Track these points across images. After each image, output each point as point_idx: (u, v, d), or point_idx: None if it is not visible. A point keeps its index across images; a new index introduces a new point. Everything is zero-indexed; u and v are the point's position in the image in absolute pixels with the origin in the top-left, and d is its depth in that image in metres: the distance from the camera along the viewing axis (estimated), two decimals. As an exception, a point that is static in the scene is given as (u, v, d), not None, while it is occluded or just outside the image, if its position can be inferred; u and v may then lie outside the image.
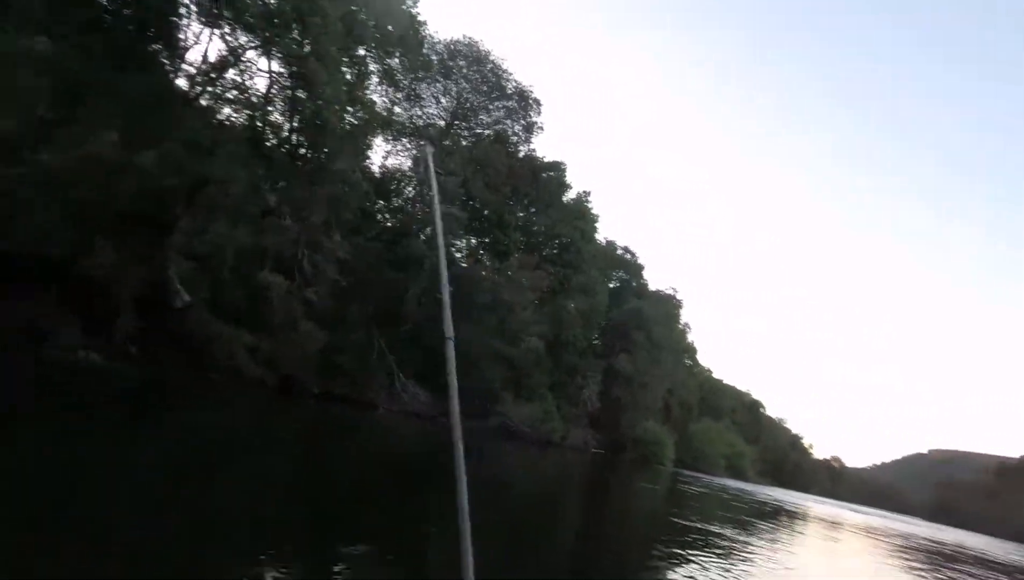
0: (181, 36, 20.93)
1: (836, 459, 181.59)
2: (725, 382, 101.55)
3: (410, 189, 34.17)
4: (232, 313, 18.93)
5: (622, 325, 51.38)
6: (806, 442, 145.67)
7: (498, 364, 33.35)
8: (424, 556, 6.64)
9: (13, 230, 13.72)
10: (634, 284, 56.82)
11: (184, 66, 21.06)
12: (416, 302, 30.46)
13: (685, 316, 65.18)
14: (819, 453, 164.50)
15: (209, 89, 21.63)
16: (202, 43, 21.11)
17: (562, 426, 39.93)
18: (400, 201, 34.67)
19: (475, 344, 31.72)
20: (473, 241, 38.90)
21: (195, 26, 20.89)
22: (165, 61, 20.59)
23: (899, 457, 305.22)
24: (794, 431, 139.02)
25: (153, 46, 20.16)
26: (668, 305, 58.15)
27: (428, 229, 32.52)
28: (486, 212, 35.81)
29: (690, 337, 72.18)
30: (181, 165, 15.25)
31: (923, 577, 15.65)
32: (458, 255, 37.32)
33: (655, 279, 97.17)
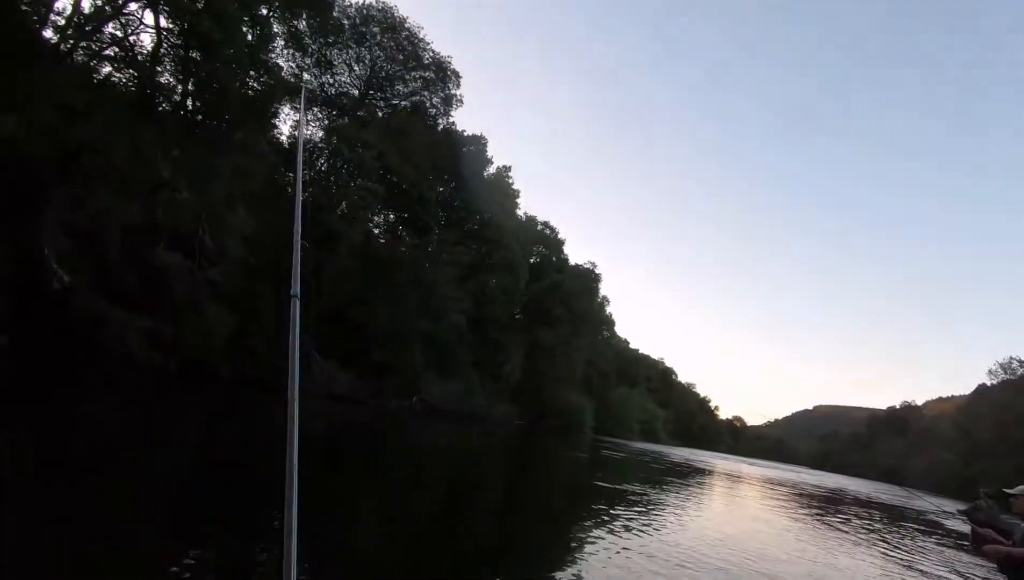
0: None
1: (738, 419, 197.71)
2: (641, 351, 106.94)
3: (323, 161, 32.48)
4: (124, 295, 17.22)
5: (543, 299, 52.35)
6: (712, 404, 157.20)
7: (421, 342, 32.97)
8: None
9: None
10: (554, 259, 57.79)
11: (52, 17, 18.52)
12: (333, 281, 29.29)
13: (603, 289, 67.40)
14: (724, 414, 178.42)
15: (83, 44, 19.18)
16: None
17: (485, 401, 40.36)
18: (312, 174, 32.91)
19: (397, 322, 31.12)
20: (392, 217, 37.79)
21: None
22: (26, 8, 17.98)
23: (790, 414, 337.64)
24: (702, 395, 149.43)
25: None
26: (587, 279, 59.80)
27: (344, 204, 31.19)
28: (405, 186, 34.82)
29: (608, 310, 74.91)
30: (52, 130, 13.45)
31: (810, 513, 17.55)
32: (376, 231, 36.17)
33: (575, 254, 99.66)
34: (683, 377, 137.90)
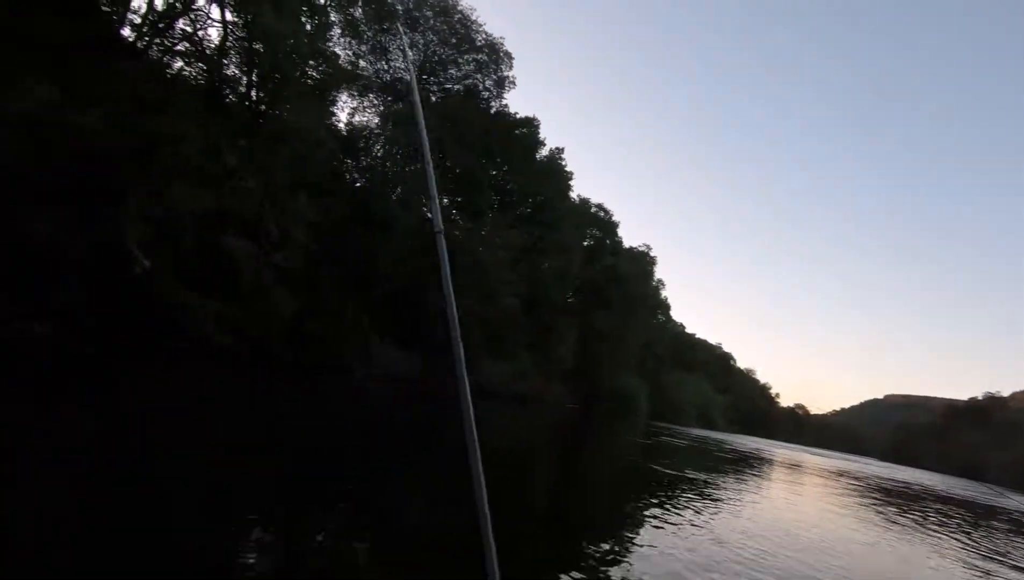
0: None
1: (800, 406, 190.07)
2: (698, 336, 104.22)
3: (379, 147, 33.02)
4: (197, 280, 18.22)
5: (597, 282, 51.73)
6: (773, 391, 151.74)
7: (475, 325, 33.31)
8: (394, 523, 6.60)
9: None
10: (608, 241, 56.86)
11: (129, 15, 19.53)
12: (390, 264, 29.93)
13: (659, 272, 65.89)
14: (785, 401, 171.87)
15: (157, 41, 20.15)
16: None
17: (539, 383, 40.52)
18: (369, 160, 33.54)
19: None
20: (446, 201, 38.07)
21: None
22: (106, 8, 19.02)
23: (857, 403, 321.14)
24: (763, 381, 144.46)
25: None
26: (642, 262, 58.56)
27: (399, 188, 31.66)
28: (458, 171, 34.95)
29: (664, 293, 73.22)
30: (130, 124, 14.24)
31: (879, 511, 16.59)
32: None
33: (629, 236, 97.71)
34: (742, 363, 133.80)
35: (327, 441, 10.97)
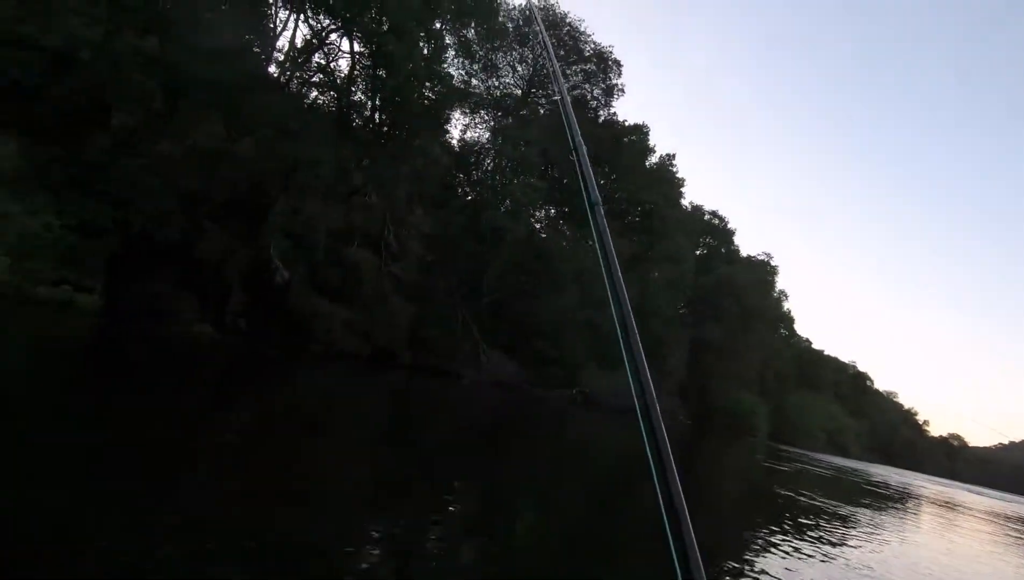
0: (271, 24, 21.94)
1: (956, 437, 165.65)
2: (827, 353, 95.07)
3: (489, 161, 34.18)
4: (328, 289, 20.04)
5: (711, 293, 49.23)
6: (920, 418, 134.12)
7: (580, 334, 33.15)
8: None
9: (135, 215, 15.15)
10: (723, 250, 54.01)
11: (275, 54, 22.13)
12: (498, 274, 30.74)
13: (782, 283, 61.23)
14: (936, 430, 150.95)
15: (297, 74, 22.57)
16: (288, 29, 21.99)
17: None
18: (480, 174, 34.80)
19: (558, 314, 31.70)
20: (553, 211, 38.44)
21: (283, 13, 21.78)
22: (257, 50, 21.68)
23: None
24: (906, 406, 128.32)
25: (247, 36, 21.25)
26: (761, 271, 54.79)
27: (508, 200, 32.52)
28: (565, 181, 35.14)
29: (786, 305, 67.84)
30: (274, 149, 16.06)
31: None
32: (538, 226, 37.07)
33: (747, 244, 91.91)
34: (881, 384, 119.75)
35: (460, 436, 11.51)
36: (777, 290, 61.14)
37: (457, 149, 32.68)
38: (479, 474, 9.08)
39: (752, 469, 23.51)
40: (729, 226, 54.70)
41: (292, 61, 22.06)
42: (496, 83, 37.26)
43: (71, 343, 11.77)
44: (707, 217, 53.47)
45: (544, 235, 36.67)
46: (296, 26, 22.62)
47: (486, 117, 36.51)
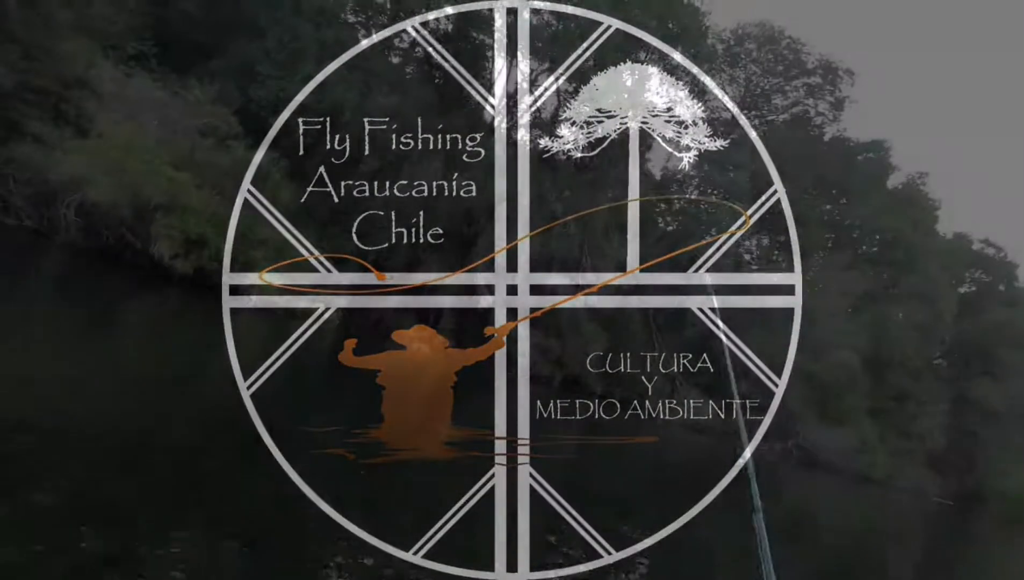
0: (488, 74, 24.40)
1: None
2: None
3: (693, 190, 32.69)
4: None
5: (979, 340, 39.40)
6: None
7: (795, 378, 29.13)
8: None
9: (371, 247, 17.79)
10: (1001, 288, 43.11)
11: (491, 100, 24.51)
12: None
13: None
14: None
15: (509, 117, 24.59)
16: (502, 74, 24.15)
17: (887, 461, 32.58)
18: (681, 203, 33.45)
19: (766, 353, 28.44)
20: (765, 240, 34.99)
21: (499, 61, 24.05)
22: (477, 97, 24.26)
23: None
24: None
25: (468, 88, 23.96)
26: (1062, 317, 42.19)
27: (713, 229, 30.54)
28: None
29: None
30: (483, 185, 17.61)
31: None
32: (747, 257, 34.04)
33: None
34: None
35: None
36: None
37: (658, 177, 31.95)
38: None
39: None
40: (1008, 258, 43.50)
41: (504, 106, 24.15)
42: (703, 106, 35.77)
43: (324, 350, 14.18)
44: (976, 246, 43.34)
45: (754, 267, 33.49)
46: (510, 72, 24.76)
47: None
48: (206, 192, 14.26)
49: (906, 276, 34.68)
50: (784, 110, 35.72)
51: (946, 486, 37.31)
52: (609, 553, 4.75)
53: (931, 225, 37.93)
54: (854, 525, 16.70)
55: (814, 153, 32.78)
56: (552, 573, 4.60)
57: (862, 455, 30.72)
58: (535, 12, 22.65)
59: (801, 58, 34.01)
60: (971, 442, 38.47)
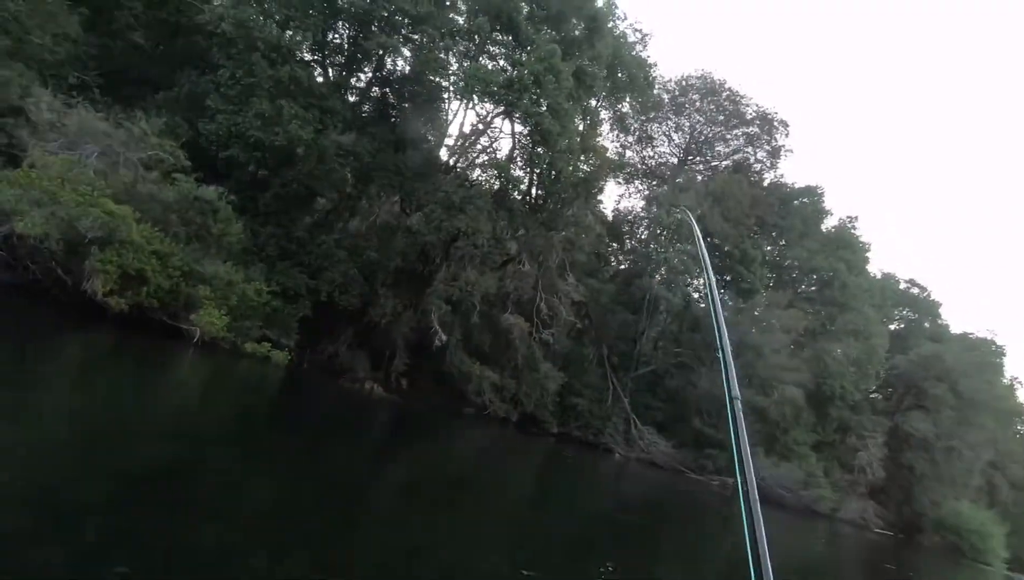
0: (443, 115, 24.75)
1: None
2: (1088, 460, 73.54)
3: (643, 230, 33.75)
4: (481, 353, 20.79)
5: (912, 375, 41.52)
6: None
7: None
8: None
9: (324, 283, 17.37)
10: (926, 325, 45.86)
11: (446, 141, 24.82)
12: (652, 346, 29.40)
13: (1015, 367, 49.75)
14: None
15: (465, 157, 24.91)
16: (459, 117, 24.58)
17: (832, 494, 33.47)
18: (634, 242, 34.44)
19: (717, 390, 29.03)
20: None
21: (454, 104, 24.47)
22: (432, 139, 24.47)
23: None
24: None
25: (423, 131, 24.18)
26: (982, 351, 45.12)
27: (663, 269, 31.47)
28: (726, 248, 33.19)
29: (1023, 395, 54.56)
30: (439, 223, 17.58)
31: None
32: (695, 295, 35.14)
33: (960, 320, 77.01)
34: None
35: (615, 522, 10.85)
36: (1009, 376, 49.65)
37: (610, 219, 32.88)
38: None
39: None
40: (932, 297, 46.58)
41: (460, 146, 24.47)
42: (651, 153, 37.34)
43: (268, 391, 13.56)
44: (903, 286, 46.22)
45: (703, 305, 34.56)
46: (465, 114, 25.23)
47: (640, 187, 36.50)
48: (148, 227, 13.69)
49: (841, 313, 36.35)
50: (727, 156, 37.74)
51: (885, 516, 38.58)
52: None
53: (862, 266, 40.16)
54: (803, 557, 17.00)
55: (755, 197, 34.54)
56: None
57: (808, 489, 31.45)
58: (491, 57, 23.14)
59: (740, 109, 36.23)
60: (909, 474, 40.06)
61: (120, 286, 12.81)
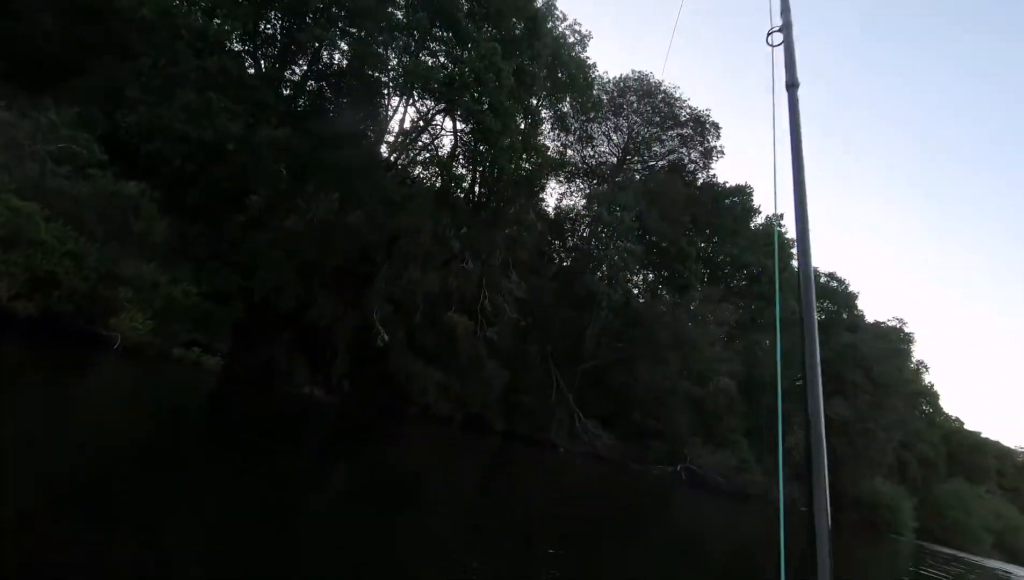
0: (383, 111, 24.25)
1: None
2: (984, 436, 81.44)
3: (584, 227, 34.38)
4: (425, 352, 20.55)
5: (832, 363, 44.45)
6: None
7: (683, 406, 31.03)
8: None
9: (259, 284, 16.67)
10: (845, 316, 49.20)
11: (387, 137, 24.35)
12: (595, 341, 30.02)
13: (920, 353, 54.31)
14: None
15: (405, 153, 24.54)
16: (399, 113, 24.15)
17: (763, 478, 35.35)
18: (575, 240, 35.01)
19: (658, 384, 30.03)
20: (651, 275, 37.48)
21: (394, 100, 24.04)
22: (371, 134, 23.94)
23: None
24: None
25: (362, 126, 23.59)
26: (893, 339, 48.98)
27: (604, 266, 32.18)
28: (664, 245, 34.35)
29: (927, 378, 59.75)
30: (380, 221, 17.24)
31: None
32: (636, 291, 36.18)
33: (874, 310, 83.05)
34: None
35: (558, 513, 10.96)
36: (915, 361, 54.17)
37: (552, 216, 33.31)
38: (585, 560, 8.37)
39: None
40: (851, 289, 50.03)
41: (401, 143, 24.08)
42: (591, 152, 38.07)
43: (199, 400, 12.86)
44: (823, 279, 49.37)
45: (642, 300, 35.62)
46: (406, 110, 24.85)
47: (581, 185, 37.14)
48: (59, 225, 12.66)
49: (769, 307, 38.42)
50: (663, 156, 39.02)
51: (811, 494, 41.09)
52: None
53: (787, 262, 42.56)
54: (742, 534, 17.93)
55: (690, 196, 35.93)
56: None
57: (741, 474, 33.08)
58: (432, 54, 22.85)
59: (675, 111, 37.53)
60: (830, 456, 42.83)
61: (28, 289, 11.81)
